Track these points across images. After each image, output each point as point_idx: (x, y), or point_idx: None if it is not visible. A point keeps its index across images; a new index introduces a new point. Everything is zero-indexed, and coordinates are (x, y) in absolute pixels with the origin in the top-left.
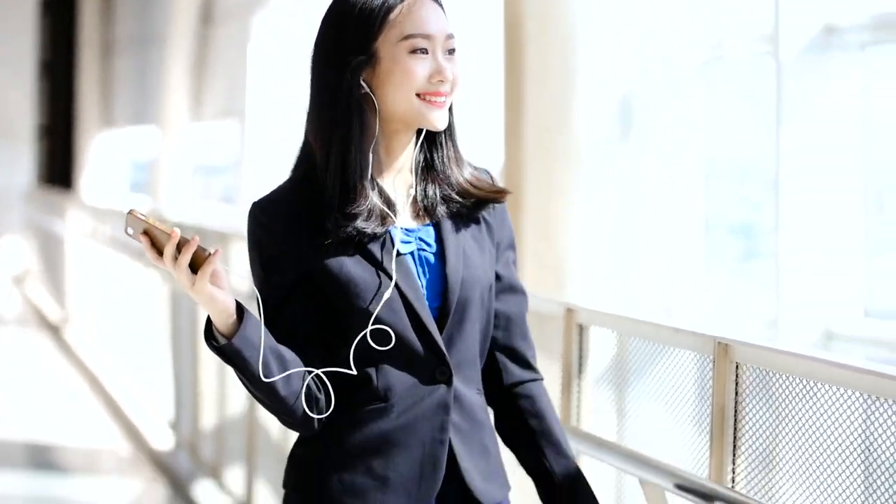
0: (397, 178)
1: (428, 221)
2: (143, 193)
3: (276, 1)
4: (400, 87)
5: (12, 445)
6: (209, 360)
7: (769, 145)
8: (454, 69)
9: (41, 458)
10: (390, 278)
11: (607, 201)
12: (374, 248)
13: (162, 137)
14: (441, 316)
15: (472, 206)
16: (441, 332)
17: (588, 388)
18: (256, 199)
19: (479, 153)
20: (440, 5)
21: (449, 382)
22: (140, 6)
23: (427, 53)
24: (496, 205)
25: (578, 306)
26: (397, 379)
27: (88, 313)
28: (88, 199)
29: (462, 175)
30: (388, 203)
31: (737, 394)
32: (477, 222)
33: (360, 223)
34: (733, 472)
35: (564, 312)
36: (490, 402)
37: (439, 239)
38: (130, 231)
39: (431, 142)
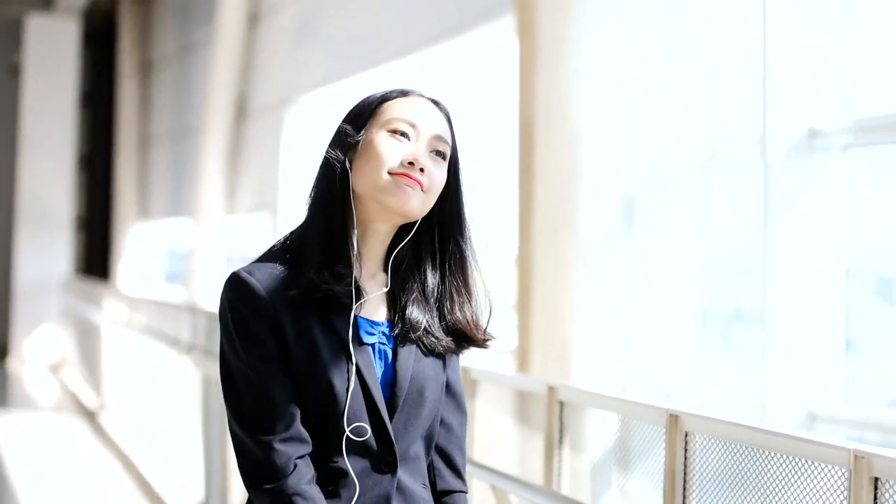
0: (370, 270)
1: (389, 318)
2: (178, 283)
3: (305, 98)
4: (371, 161)
5: None
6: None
7: (758, 240)
8: (433, 169)
9: None
10: (349, 358)
11: (611, 292)
12: (342, 329)
13: (196, 229)
14: (389, 409)
15: (445, 346)
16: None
17: (566, 457)
18: (236, 269)
19: (496, 245)
20: (442, 111)
21: (393, 472)
22: (176, 101)
23: (408, 139)
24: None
25: (560, 384)
26: (352, 463)
27: (124, 399)
28: (125, 288)
29: (461, 316)
30: (358, 287)
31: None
32: None
33: (334, 285)
34: None
35: (547, 391)
36: None
37: (397, 336)
38: None
39: (443, 274)
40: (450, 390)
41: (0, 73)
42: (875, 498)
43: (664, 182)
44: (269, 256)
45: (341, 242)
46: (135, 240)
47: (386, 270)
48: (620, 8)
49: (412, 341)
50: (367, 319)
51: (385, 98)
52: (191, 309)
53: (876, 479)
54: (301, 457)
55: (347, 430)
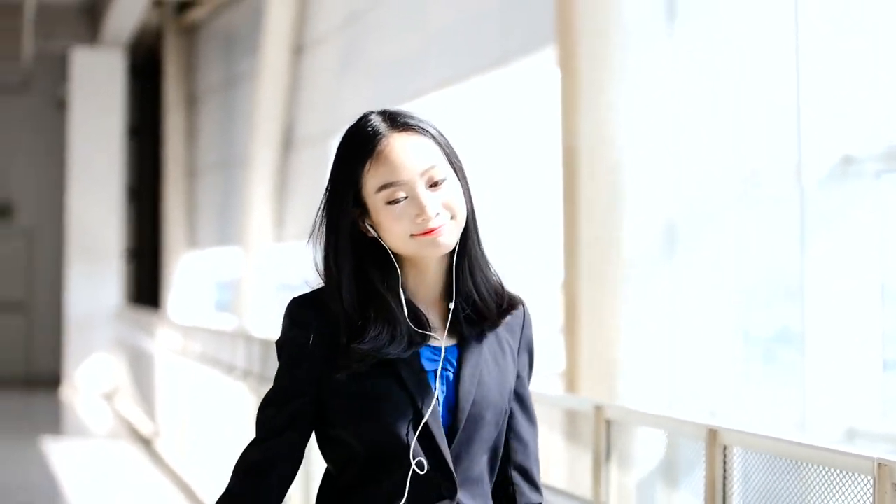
0: (432, 298)
1: (454, 342)
2: (227, 311)
3: None
4: (390, 234)
5: None
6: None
7: (796, 263)
8: (443, 199)
9: None
10: (415, 401)
11: (655, 314)
12: (403, 367)
13: (245, 257)
14: (450, 433)
15: (499, 320)
16: (449, 448)
17: (614, 473)
18: (296, 296)
19: (542, 271)
20: (416, 131)
21: (452, 497)
22: (222, 132)
23: (406, 198)
24: (524, 331)
25: (606, 404)
26: (401, 491)
27: (178, 426)
28: (175, 317)
29: (485, 293)
30: (421, 323)
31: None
32: (500, 344)
33: (385, 349)
34: None
35: (594, 410)
36: None
37: (459, 359)
38: None
39: (461, 258)
40: (523, 405)
41: (47, 107)
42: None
43: (705, 207)
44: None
45: (378, 297)
46: (184, 269)
47: (442, 292)
48: (660, 37)
49: (476, 351)
50: (429, 347)
51: (361, 160)
52: (245, 336)
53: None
54: (268, 483)
55: (413, 464)
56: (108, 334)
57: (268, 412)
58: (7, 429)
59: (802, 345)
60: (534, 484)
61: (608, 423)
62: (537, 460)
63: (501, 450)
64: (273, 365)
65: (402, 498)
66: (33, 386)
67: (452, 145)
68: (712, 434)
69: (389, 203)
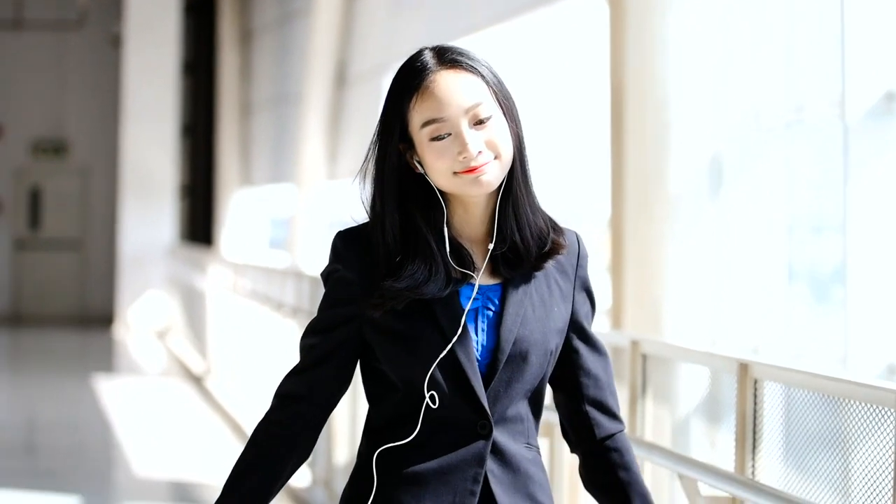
0: (477, 236)
1: (499, 282)
2: (281, 249)
3: None
4: (434, 170)
5: (161, 483)
6: (342, 403)
7: (839, 199)
8: (487, 137)
9: (188, 494)
10: (446, 338)
11: (699, 249)
12: (439, 306)
13: (298, 194)
14: (489, 372)
15: (539, 263)
16: (487, 388)
17: (649, 406)
18: (342, 229)
19: (588, 204)
20: (465, 68)
21: (488, 437)
22: (276, 69)
23: (449, 135)
24: (578, 270)
25: (642, 338)
26: (437, 428)
27: (229, 363)
28: (228, 254)
29: (528, 235)
30: (464, 262)
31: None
32: (548, 284)
33: (420, 288)
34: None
35: (630, 345)
36: (579, 452)
37: (503, 298)
38: None
39: (505, 199)
40: (587, 340)
41: (102, 44)
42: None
43: (750, 142)
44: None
45: (421, 232)
46: (238, 206)
47: (489, 230)
48: None
49: (521, 291)
50: (471, 286)
51: (410, 92)
52: (295, 273)
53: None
54: (300, 410)
55: (427, 397)
56: (161, 272)
57: (309, 341)
58: (60, 366)
59: (844, 280)
60: (611, 414)
61: (644, 357)
62: (613, 392)
63: (544, 390)
64: None
65: (416, 428)
66: (87, 323)
67: (504, 84)
68: (743, 368)
69: (433, 139)
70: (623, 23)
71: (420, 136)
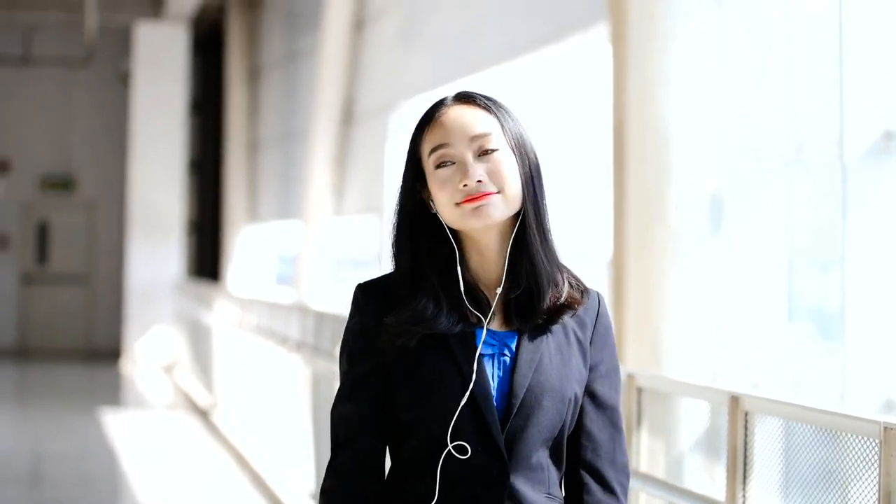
0: (493, 281)
1: (515, 329)
2: (288, 285)
3: (409, 102)
4: (439, 203)
5: None
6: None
7: (838, 237)
8: (492, 169)
9: None
10: (466, 382)
11: (700, 286)
12: (456, 345)
13: (305, 231)
14: (504, 417)
15: (554, 316)
16: (503, 432)
17: (644, 439)
18: (362, 280)
19: (591, 243)
20: (478, 104)
21: (503, 482)
22: (284, 106)
23: (454, 164)
24: (597, 327)
25: (637, 373)
26: (453, 474)
27: (235, 397)
28: (235, 290)
29: (546, 281)
30: (480, 304)
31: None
32: (566, 336)
33: (426, 322)
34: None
35: (626, 378)
36: None
37: (518, 344)
38: None
39: (518, 244)
40: (596, 402)
41: (111, 81)
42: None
43: (750, 181)
44: (393, 276)
45: (436, 270)
46: (245, 242)
47: (502, 274)
48: (708, 11)
49: (537, 340)
50: (489, 331)
51: (423, 125)
52: (300, 308)
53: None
54: (362, 477)
55: (450, 446)
56: (168, 307)
57: (342, 410)
58: (68, 400)
59: (843, 316)
60: (605, 485)
61: (639, 390)
62: (615, 464)
63: (565, 441)
64: (327, 337)
65: (435, 473)
66: (94, 358)
67: (519, 128)
68: (734, 400)
69: (438, 167)
70: (625, 60)
71: (428, 165)
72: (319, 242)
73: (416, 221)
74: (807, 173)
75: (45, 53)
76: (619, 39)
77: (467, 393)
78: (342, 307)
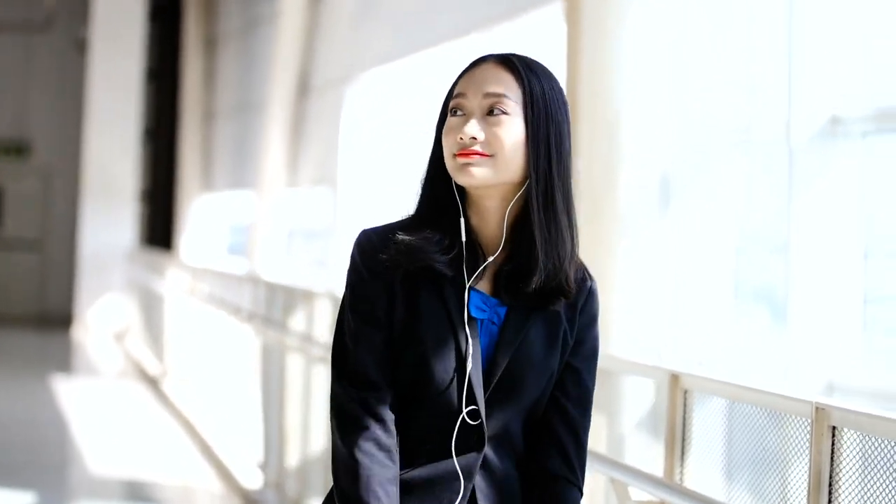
0: (491, 246)
1: (507, 302)
2: (240, 255)
3: (366, 75)
4: (444, 147)
5: (116, 482)
6: (294, 407)
7: (784, 219)
8: (493, 131)
9: (141, 493)
10: (459, 345)
11: (649, 266)
12: (452, 305)
13: (258, 201)
14: (485, 383)
15: (541, 300)
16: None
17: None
18: (366, 227)
19: None
20: (510, 67)
21: (480, 449)
22: (240, 77)
23: (463, 114)
24: (586, 306)
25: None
26: (433, 433)
27: (185, 366)
28: (187, 259)
29: (544, 263)
30: (475, 262)
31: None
32: (556, 318)
33: (431, 252)
34: (682, 472)
35: None
36: (527, 471)
37: (507, 313)
38: None
39: (523, 219)
40: (577, 382)
41: (68, 48)
42: (833, 444)
43: (699, 161)
44: (399, 222)
45: (448, 216)
46: (198, 212)
47: (501, 244)
48: None
49: (524, 316)
50: (481, 294)
51: (459, 76)
52: (252, 279)
53: (833, 428)
54: (381, 419)
55: (465, 412)
56: (120, 275)
57: (350, 357)
58: (19, 367)
59: (787, 298)
60: (565, 458)
61: None
62: (577, 443)
63: (539, 414)
64: (278, 308)
65: (452, 439)
66: (45, 324)
67: (553, 104)
68: (674, 378)
69: (450, 114)
70: (579, 39)
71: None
72: (273, 213)
73: (438, 169)
74: (755, 155)
75: (3, 17)
76: (573, 17)
77: (468, 364)
78: (293, 279)
